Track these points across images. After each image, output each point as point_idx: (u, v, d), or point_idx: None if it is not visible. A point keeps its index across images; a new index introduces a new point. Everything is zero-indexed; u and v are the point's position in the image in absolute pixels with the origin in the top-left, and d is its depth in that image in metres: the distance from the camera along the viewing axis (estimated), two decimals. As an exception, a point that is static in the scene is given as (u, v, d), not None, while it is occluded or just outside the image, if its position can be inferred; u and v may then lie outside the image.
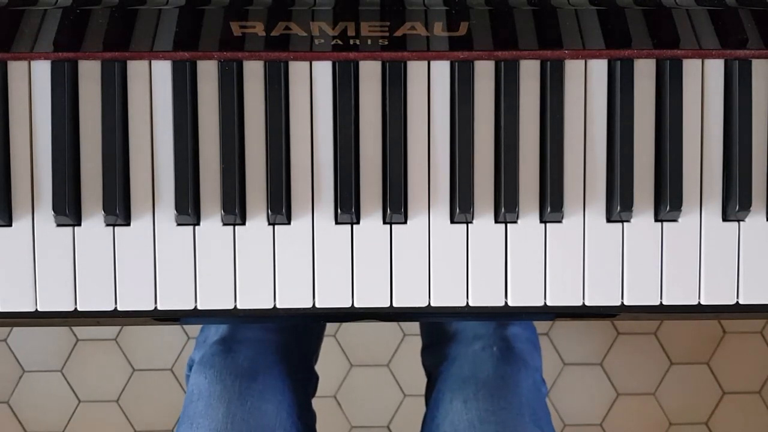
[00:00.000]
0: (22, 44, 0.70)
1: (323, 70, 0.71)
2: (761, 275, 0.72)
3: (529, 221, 0.71)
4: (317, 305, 0.71)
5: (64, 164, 0.69)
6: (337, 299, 0.71)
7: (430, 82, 0.71)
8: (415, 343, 1.62)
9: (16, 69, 0.70)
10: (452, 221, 0.71)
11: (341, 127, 0.70)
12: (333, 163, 0.71)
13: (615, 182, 0.70)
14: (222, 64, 0.70)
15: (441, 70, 0.71)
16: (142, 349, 1.65)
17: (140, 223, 0.71)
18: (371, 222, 0.71)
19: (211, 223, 0.71)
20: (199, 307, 0.71)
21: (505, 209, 0.70)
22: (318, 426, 0.99)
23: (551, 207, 0.70)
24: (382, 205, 0.71)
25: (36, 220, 0.70)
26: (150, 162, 0.71)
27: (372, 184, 0.71)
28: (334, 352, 1.64)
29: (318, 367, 1.09)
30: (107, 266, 0.71)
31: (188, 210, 0.69)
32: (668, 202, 0.70)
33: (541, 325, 1.63)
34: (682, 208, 0.70)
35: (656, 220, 0.72)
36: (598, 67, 0.71)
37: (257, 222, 0.71)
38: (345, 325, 1.64)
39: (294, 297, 0.71)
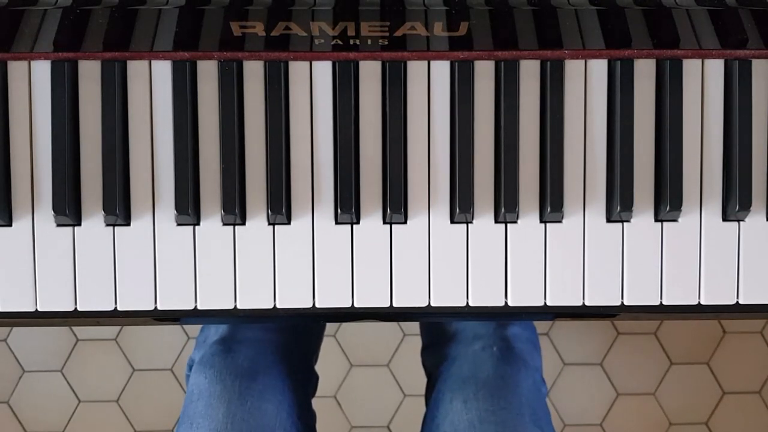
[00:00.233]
0: (22, 44, 0.70)
1: (323, 70, 0.71)
2: (761, 275, 0.72)
3: (529, 221, 0.71)
4: (317, 305, 0.71)
5: (64, 164, 0.69)
6: (337, 299, 0.71)
7: (430, 82, 0.71)
8: (415, 343, 1.62)
9: (16, 69, 0.70)
10: (452, 221, 0.71)
11: (341, 127, 0.70)
12: (333, 163, 0.71)
13: (615, 182, 0.70)
14: (222, 64, 0.70)
15: (441, 70, 0.71)
16: (142, 349, 1.65)
17: (140, 223, 0.71)
18: (371, 222, 0.71)
19: (211, 223, 0.71)
20: (199, 307, 0.71)
21: (505, 209, 0.70)
22: (318, 426, 0.99)
23: (551, 207, 0.70)
24: (382, 205, 0.71)
25: (36, 220, 0.70)
26: (150, 162, 0.71)
27: (372, 184, 0.71)
28: (334, 352, 1.64)
29: (318, 367, 1.09)
30: (107, 266, 0.71)
31: (188, 210, 0.69)
32: (668, 202, 0.70)
33: (541, 325, 1.63)
34: (682, 208, 0.70)
35: (656, 220, 0.72)
36: (598, 67, 0.71)
37: (257, 222, 0.71)
38: (345, 325, 1.64)
39: (294, 297, 0.71)
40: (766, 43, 0.71)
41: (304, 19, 0.70)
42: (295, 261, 0.71)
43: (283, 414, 0.87)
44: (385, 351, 1.65)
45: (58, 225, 0.70)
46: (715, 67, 0.72)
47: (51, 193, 0.69)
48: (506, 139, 0.70)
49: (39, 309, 0.71)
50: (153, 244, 0.71)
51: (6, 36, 0.70)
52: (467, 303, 0.72)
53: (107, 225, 0.70)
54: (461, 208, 0.70)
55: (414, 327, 1.63)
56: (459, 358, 0.94)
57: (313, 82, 0.71)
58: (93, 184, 0.70)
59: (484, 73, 0.71)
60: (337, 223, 0.71)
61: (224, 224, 0.71)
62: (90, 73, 0.70)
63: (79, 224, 0.71)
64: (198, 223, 0.71)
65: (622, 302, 0.72)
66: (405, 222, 0.71)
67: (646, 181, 0.71)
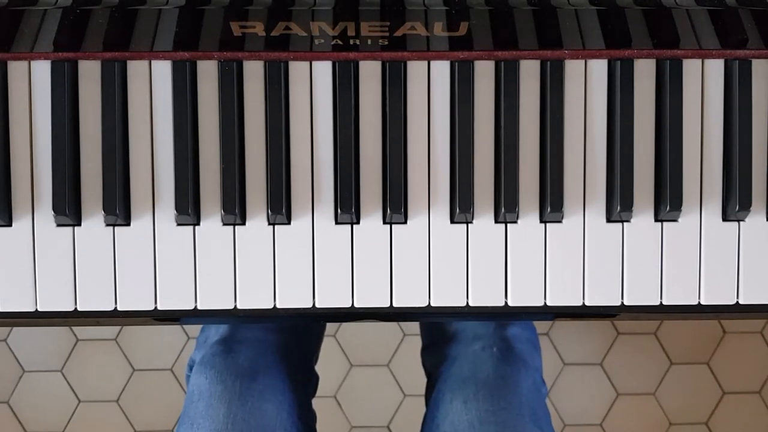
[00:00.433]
0: (22, 44, 0.70)
1: (323, 70, 0.71)
2: (761, 275, 0.72)
3: (529, 221, 0.71)
4: (317, 305, 0.71)
5: (64, 164, 0.69)
6: (337, 299, 0.71)
7: (430, 82, 0.71)
8: (415, 343, 1.62)
9: (16, 69, 0.70)
10: (452, 221, 0.71)
11: (341, 127, 0.70)
12: (333, 163, 0.71)
13: (615, 182, 0.70)
14: (222, 64, 0.70)
15: (441, 70, 0.71)
16: (142, 349, 1.65)
17: (140, 223, 0.71)
18: (371, 222, 0.71)
19: (211, 223, 0.71)
20: (199, 307, 0.71)
21: (505, 209, 0.70)
22: (318, 426, 0.99)
23: (551, 207, 0.70)
24: (382, 205, 0.71)
25: (36, 220, 0.70)
26: (150, 162, 0.71)
27: (372, 184, 0.71)
28: (334, 352, 1.64)
29: (318, 367, 1.09)
30: (107, 266, 0.71)
31: (188, 210, 0.69)
32: (668, 202, 0.70)
33: (541, 325, 1.63)
34: (682, 208, 0.70)
35: (656, 220, 0.72)
36: (598, 67, 0.71)
37: (257, 222, 0.71)
38: (345, 325, 1.64)
39: (294, 297, 0.71)
40: (766, 43, 0.71)
41: (304, 19, 0.70)
42: (295, 261, 0.71)
43: (283, 414, 0.87)
44: (385, 351, 1.65)
45: (58, 225, 0.70)
46: (715, 67, 0.72)
47: (51, 193, 0.69)
48: (506, 139, 0.70)
49: (39, 309, 0.71)
50: (153, 244, 0.71)
51: (6, 36, 0.70)
52: (467, 303, 0.72)
53: (107, 225, 0.70)
54: (461, 208, 0.70)
55: (414, 327, 1.63)
56: (459, 358, 0.94)
57: (313, 82, 0.71)
58: (93, 184, 0.70)
59: (484, 73, 0.71)
60: (337, 223, 0.71)
61: (224, 224, 0.71)
62: (90, 73, 0.70)
63: (79, 224, 0.71)
64: (198, 223, 0.71)
65: (622, 302, 0.72)
66: (405, 222, 0.71)
67: (646, 181, 0.71)
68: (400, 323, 1.64)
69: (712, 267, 0.72)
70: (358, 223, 0.71)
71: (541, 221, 0.71)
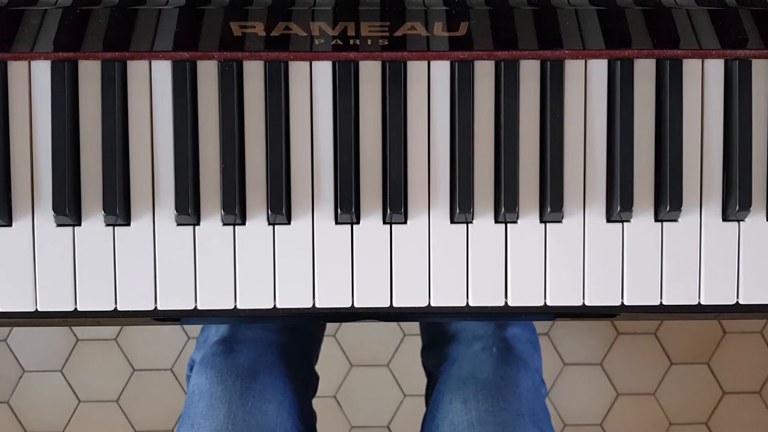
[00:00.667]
0: (22, 44, 0.70)
1: (323, 70, 0.71)
2: (761, 275, 0.72)
3: (529, 221, 0.71)
4: (317, 305, 0.71)
5: (64, 164, 0.69)
6: (337, 299, 0.71)
7: (430, 82, 0.71)
8: (415, 343, 1.62)
9: (16, 69, 0.70)
10: (452, 221, 0.71)
11: (341, 127, 0.70)
12: (333, 163, 0.71)
13: (615, 182, 0.70)
14: (222, 64, 0.70)
15: (441, 70, 0.71)
16: (142, 349, 1.65)
17: (140, 223, 0.71)
18: (371, 222, 0.71)
19: (211, 223, 0.71)
20: (199, 307, 0.71)
21: (505, 209, 0.70)
22: (318, 426, 0.99)
23: (551, 207, 0.70)
24: (382, 205, 0.71)
25: (36, 220, 0.70)
26: (150, 162, 0.71)
27: (372, 184, 0.71)
28: (334, 352, 1.64)
29: (318, 367, 1.09)
30: (107, 266, 0.71)
31: (188, 210, 0.69)
32: (668, 202, 0.70)
33: (541, 325, 1.63)
34: (682, 208, 0.70)
35: (656, 220, 0.72)
36: (598, 67, 0.71)
37: (257, 222, 0.71)
38: (345, 325, 1.64)
39: (294, 297, 0.71)
40: (766, 43, 0.71)
41: (304, 19, 0.70)
42: (295, 261, 0.71)
43: (283, 414, 0.87)
44: (385, 351, 1.65)
45: (58, 225, 0.70)
46: (715, 67, 0.72)
47: (51, 193, 0.69)
48: (506, 139, 0.70)
49: (39, 309, 0.71)
50: (153, 244, 0.71)
51: (6, 36, 0.70)
52: (467, 303, 0.72)
53: (107, 225, 0.70)
54: (461, 208, 0.70)
55: (414, 327, 1.63)
56: (459, 358, 0.94)
57: (313, 82, 0.71)
58: (93, 184, 0.70)
59: (484, 73, 0.71)
60: (337, 223, 0.71)
61: (224, 224, 0.71)
62: (90, 73, 0.70)
63: (79, 224, 0.71)
64: (198, 223, 0.71)
65: (622, 302, 0.72)
66: (405, 222, 0.71)
67: (646, 181, 0.71)
68: (400, 323, 1.64)
69: (712, 267, 0.72)
70: (358, 223, 0.71)
71: (541, 221, 0.71)
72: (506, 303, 0.72)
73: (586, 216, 0.72)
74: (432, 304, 0.72)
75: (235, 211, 0.69)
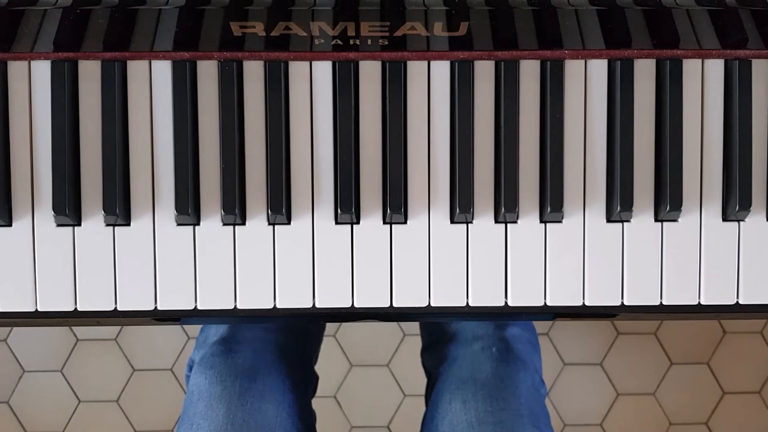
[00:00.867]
0: (22, 44, 0.70)
1: (323, 70, 0.71)
2: (761, 275, 0.72)
3: (529, 221, 0.71)
4: (317, 305, 0.71)
5: (64, 164, 0.69)
6: (337, 299, 0.71)
7: (430, 82, 0.71)
8: (415, 343, 1.62)
9: (16, 69, 0.70)
10: (452, 221, 0.71)
11: (341, 127, 0.70)
12: (333, 163, 0.71)
13: (615, 182, 0.70)
14: (222, 64, 0.70)
15: (441, 70, 0.71)
16: (142, 349, 1.65)
17: (140, 223, 0.71)
18: (371, 222, 0.71)
19: (211, 223, 0.71)
20: (199, 307, 0.71)
21: (505, 209, 0.70)
22: (318, 426, 0.99)
23: (551, 207, 0.70)
24: (382, 205, 0.71)
25: (36, 220, 0.70)
26: (150, 162, 0.71)
27: (372, 184, 0.71)
28: (334, 352, 1.64)
29: (318, 367, 1.09)
30: (107, 266, 0.71)
31: (188, 210, 0.69)
32: (668, 202, 0.70)
33: (541, 325, 1.63)
34: (682, 208, 0.70)
35: (656, 220, 0.72)
36: (598, 67, 0.71)
37: (257, 222, 0.71)
38: (345, 325, 1.64)
39: (294, 297, 0.71)
40: (766, 43, 0.71)
41: (304, 19, 0.70)
42: (295, 261, 0.71)
43: (283, 414, 0.87)
44: (385, 351, 1.65)
45: (58, 225, 0.70)
46: (715, 67, 0.72)
47: (51, 193, 0.69)
48: (506, 139, 0.70)
49: (39, 309, 0.71)
50: (153, 244, 0.71)
51: (6, 36, 0.70)
52: (467, 303, 0.72)
53: (107, 225, 0.70)
54: (461, 208, 0.70)
55: (414, 327, 1.63)
56: (458, 358, 0.94)
57: (313, 82, 0.71)
58: (93, 184, 0.70)
59: (484, 73, 0.71)
60: (337, 223, 0.71)
61: (224, 224, 0.71)
62: (90, 73, 0.70)
63: (79, 224, 0.71)
64: (198, 223, 0.71)
65: (622, 302, 0.72)
66: (405, 222, 0.71)
67: (646, 181, 0.71)
68: (400, 323, 1.64)
69: (712, 267, 0.72)
70: (358, 223, 0.71)
71: (541, 221, 0.71)
72: (506, 303, 0.72)
73: (586, 216, 0.72)
74: (432, 304, 0.72)
75: (235, 211, 0.69)
